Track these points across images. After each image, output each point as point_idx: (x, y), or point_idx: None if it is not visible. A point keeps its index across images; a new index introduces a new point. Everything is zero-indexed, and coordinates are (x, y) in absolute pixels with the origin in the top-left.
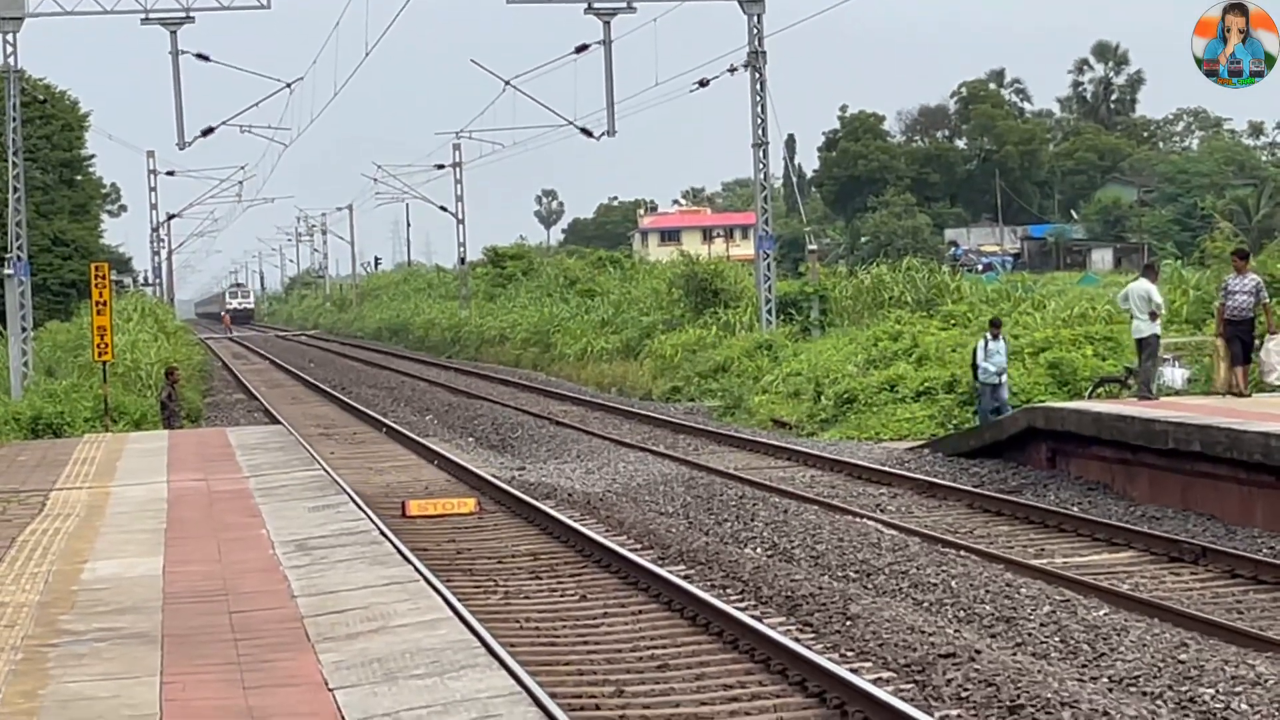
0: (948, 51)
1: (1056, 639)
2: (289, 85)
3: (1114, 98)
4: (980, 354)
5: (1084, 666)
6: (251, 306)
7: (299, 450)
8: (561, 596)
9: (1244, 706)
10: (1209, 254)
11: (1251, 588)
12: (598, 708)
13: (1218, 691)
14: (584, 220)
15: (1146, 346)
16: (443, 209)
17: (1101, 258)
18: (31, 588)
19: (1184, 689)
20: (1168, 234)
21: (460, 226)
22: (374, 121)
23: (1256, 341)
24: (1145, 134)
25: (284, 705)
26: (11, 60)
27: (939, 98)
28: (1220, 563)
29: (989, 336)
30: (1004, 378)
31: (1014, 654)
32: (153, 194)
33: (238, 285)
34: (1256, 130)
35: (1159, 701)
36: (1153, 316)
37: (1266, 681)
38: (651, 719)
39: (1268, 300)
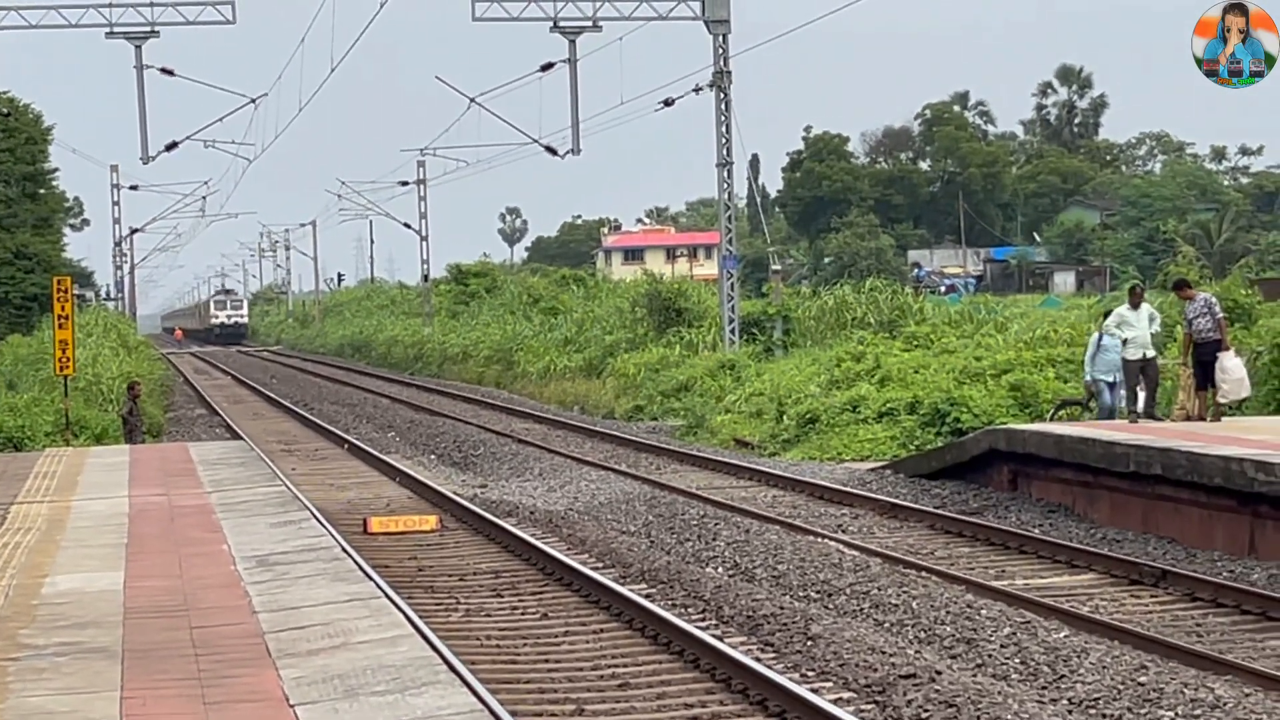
0: (912, 73)
1: (1017, 660)
2: (254, 100)
3: (1077, 121)
4: (1091, 348)
5: (1044, 688)
6: (245, 320)
7: (261, 466)
8: (523, 614)
9: None
10: (1171, 278)
11: (1212, 611)
12: None
13: (1177, 714)
14: (548, 238)
15: (1149, 369)
16: (406, 226)
17: (1064, 280)
18: None
19: (1144, 711)
20: (1130, 257)
21: (424, 243)
22: (339, 138)
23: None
24: (1108, 157)
25: None
26: None
27: (903, 119)
28: (1181, 586)
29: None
30: (1117, 377)
31: (974, 675)
32: (115, 208)
33: (226, 293)
34: (1219, 154)
35: None
36: (1124, 342)
37: (1226, 705)
38: None
39: (1221, 315)
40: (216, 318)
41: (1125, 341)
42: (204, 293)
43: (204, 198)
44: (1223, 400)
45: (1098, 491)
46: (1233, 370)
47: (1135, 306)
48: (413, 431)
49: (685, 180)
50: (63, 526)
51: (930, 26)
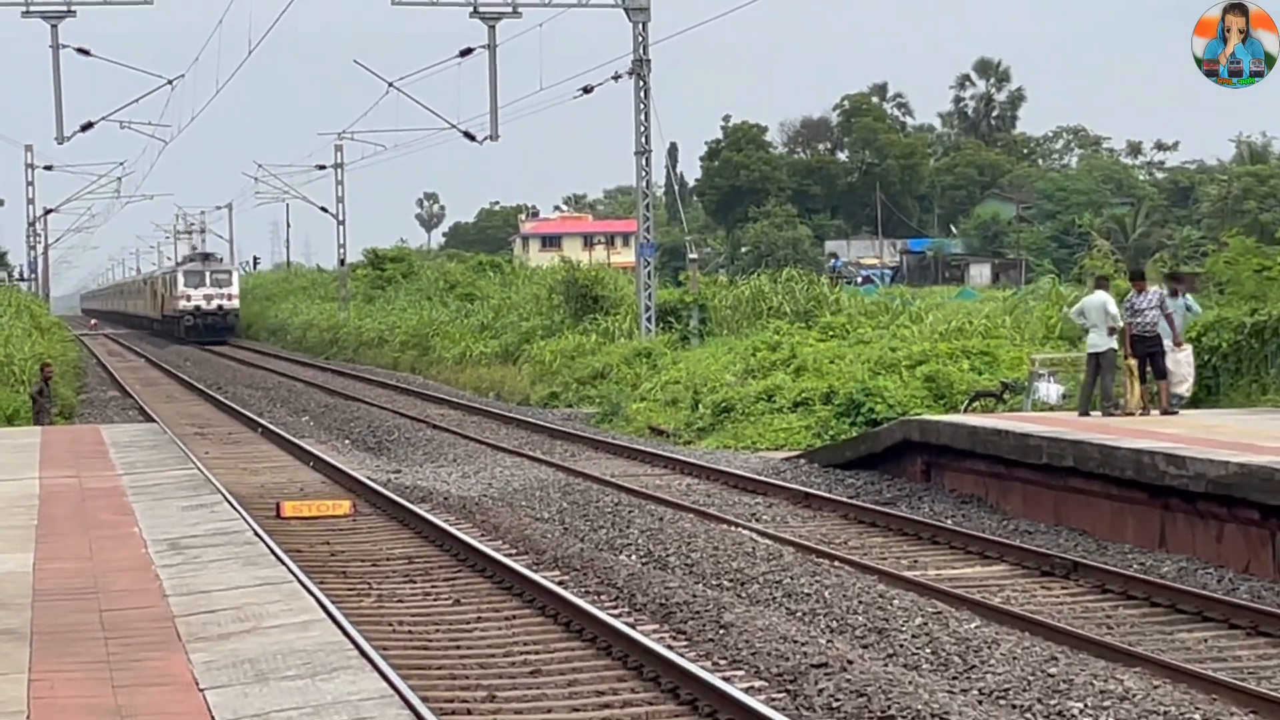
0: (831, 64)
1: (928, 651)
2: (170, 82)
3: (995, 114)
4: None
5: (955, 679)
6: (235, 305)
7: (173, 449)
8: (435, 600)
9: None
10: (1087, 271)
11: (1121, 603)
12: (469, 713)
13: (1086, 706)
14: (465, 224)
15: (1105, 360)
16: (323, 210)
17: (979, 272)
18: None
19: (1053, 702)
20: (1045, 251)
21: (340, 228)
22: (256, 121)
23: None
24: (1025, 151)
25: (153, 704)
26: None
27: (822, 110)
28: (1091, 577)
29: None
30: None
31: (885, 665)
32: (30, 188)
33: (204, 258)
34: (1134, 149)
35: (1028, 715)
36: (1111, 331)
37: (1134, 696)
38: None
39: (1170, 310)
40: (189, 299)
41: (1111, 330)
42: (120, 274)
43: (119, 179)
44: (1185, 394)
45: (1010, 483)
46: (1183, 369)
47: (1174, 294)
48: (327, 416)
49: (603, 168)
50: None
51: (849, 17)
